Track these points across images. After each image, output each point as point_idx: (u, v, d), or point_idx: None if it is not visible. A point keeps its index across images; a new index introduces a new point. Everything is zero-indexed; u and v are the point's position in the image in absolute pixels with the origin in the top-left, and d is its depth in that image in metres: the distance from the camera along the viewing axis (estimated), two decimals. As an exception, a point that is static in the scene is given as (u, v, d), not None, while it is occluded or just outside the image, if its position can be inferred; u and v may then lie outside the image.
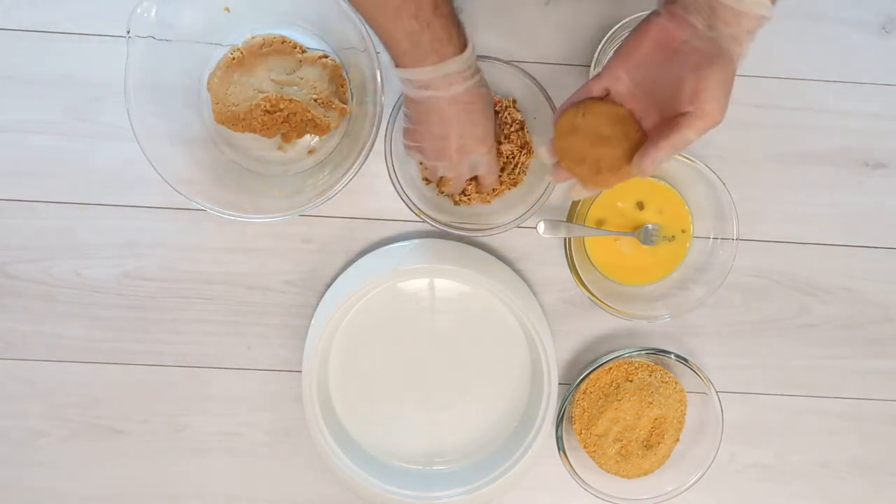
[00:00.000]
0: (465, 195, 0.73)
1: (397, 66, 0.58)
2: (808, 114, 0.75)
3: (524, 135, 0.73)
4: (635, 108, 0.56)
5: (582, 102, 0.57)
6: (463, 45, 0.58)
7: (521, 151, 0.72)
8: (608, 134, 0.56)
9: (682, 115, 0.52)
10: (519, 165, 0.72)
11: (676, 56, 0.53)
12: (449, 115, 0.60)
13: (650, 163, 0.54)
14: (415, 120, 0.62)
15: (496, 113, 0.72)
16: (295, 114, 0.70)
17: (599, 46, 0.71)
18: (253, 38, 0.71)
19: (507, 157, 0.72)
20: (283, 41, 0.71)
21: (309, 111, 0.70)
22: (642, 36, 0.54)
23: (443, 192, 0.74)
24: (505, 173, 0.72)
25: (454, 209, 0.74)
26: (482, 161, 0.66)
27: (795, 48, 0.75)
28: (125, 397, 0.77)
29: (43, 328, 0.76)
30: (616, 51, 0.57)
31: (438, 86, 0.58)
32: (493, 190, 0.73)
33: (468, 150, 0.63)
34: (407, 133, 0.65)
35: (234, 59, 0.70)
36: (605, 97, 0.57)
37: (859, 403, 0.79)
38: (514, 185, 0.74)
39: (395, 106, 0.69)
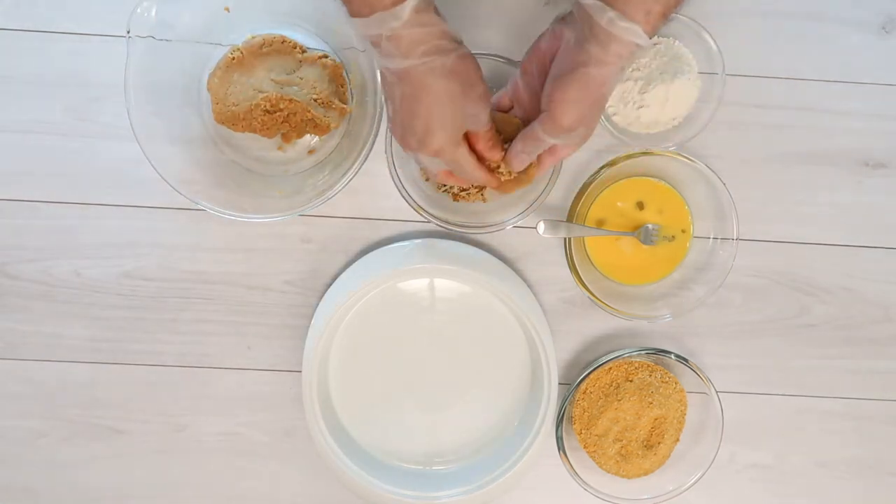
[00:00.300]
0: (465, 191, 0.73)
1: (352, 16, 0.51)
2: (808, 114, 0.75)
3: None
4: (533, 117, 0.59)
5: (491, 114, 0.61)
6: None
7: None
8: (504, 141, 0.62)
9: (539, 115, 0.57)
10: None
11: (551, 66, 0.57)
12: (424, 96, 0.53)
13: (512, 156, 0.60)
14: (390, 96, 0.56)
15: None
16: (295, 114, 0.70)
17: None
18: (253, 37, 0.71)
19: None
20: (283, 41, 0.71)
21: (309, 111, 0.70)
22: (533, 49, 0.60)
23: (442, 189, 0.74)
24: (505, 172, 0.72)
25: (453, 206, 0.74)
26: (455, 157, 0.59)
27: (795, 48, 0.75)
28: (125, 397, 0.77)
29: (43, 328, 0.76)
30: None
31: (403, 47, 0.51)
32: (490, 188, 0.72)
33: (457, 133, 0.57)
34: (394, 132, 0.59)
35: (233, 59, 0.70)
36: (510, 108, 0.64)
37: (859, 403, 0.79)
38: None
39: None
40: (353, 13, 0.51)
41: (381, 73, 0.57)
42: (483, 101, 0.57)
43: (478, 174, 0.61)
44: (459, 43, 0.55)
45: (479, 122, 0.58)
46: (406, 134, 0.57)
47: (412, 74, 0.53)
